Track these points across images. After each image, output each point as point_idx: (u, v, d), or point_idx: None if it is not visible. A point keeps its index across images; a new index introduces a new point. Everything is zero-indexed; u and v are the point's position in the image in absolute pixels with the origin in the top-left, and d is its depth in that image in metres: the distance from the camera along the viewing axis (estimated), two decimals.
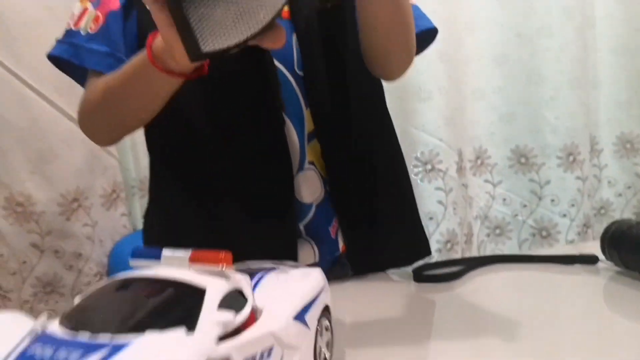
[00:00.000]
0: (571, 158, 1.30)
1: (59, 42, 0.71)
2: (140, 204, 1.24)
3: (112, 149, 1.18)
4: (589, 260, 0.67)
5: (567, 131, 1.28)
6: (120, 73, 0.62)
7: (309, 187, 0.69)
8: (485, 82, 1.29)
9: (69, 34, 0.70)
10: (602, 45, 1.38)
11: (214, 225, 0.69)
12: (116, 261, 1.17)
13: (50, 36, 1.03)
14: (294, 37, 0.68)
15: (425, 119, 1.18)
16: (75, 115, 0.76)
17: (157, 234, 0.76)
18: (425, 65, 1.15)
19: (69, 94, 0.98)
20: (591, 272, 0.65)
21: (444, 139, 1.20)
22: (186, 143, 0.72)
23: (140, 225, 1.25)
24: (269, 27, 0.43)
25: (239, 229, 0.68)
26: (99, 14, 0.69)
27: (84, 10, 0.70)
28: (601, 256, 0.65)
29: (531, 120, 1.29)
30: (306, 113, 0.69)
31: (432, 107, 1.18)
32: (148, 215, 0.78)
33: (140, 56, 0.57)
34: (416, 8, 0.75)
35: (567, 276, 0.64)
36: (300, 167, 0.69)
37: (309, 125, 0.69)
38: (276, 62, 0.67)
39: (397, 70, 0.72)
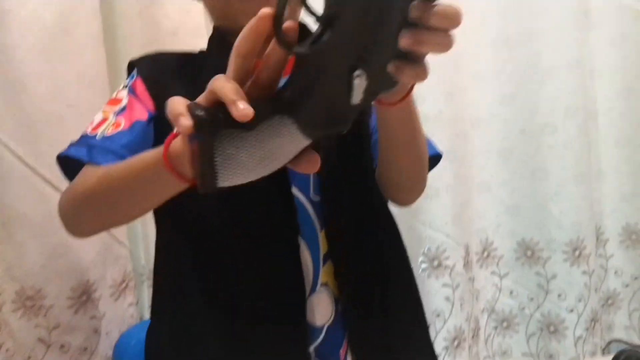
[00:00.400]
0: (577, 252, 1.30)
1: (71, 145, 0.72)
2: (148, 293, 1.25)
3: (124, 238, 1.19)
4: None
5: (572, 226, 1.30)
6: (125, 163, 0.61)
7: (321, 310, 0.71)
8: (490, 175, 1.32)
9: (84, 137, 0.71)
10: (605, 139, 1.41)
11: (222, 345, 0.70)
12: (121, 352, 1.16)
13: (72, 133, 1.08)
14: None
15: (432, 216, 1.20)
16: None
17: (164, 347, 0.76)
18: None
19: None
20: None
21: (451, 235, 1.21)
22: (200, 260, 0.73)
23: (147, 314, 1.25)
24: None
25: (248, 349, 0.69)
26: (121, 120, 0.70)
27: (104, 119, 0.72)
28: None
29: (536, 214, 1.31)
30: (321, 235, 0.71)
31: (439, 204, 1.20)
32: (152, 331, 0.78)
33: (153, 152, 0.56)
34: None
35: None
36: (313, 289, 0.70)
37: (323, 247, 0.71)
38: (293, 188, 0.70)
39: (410, 198, 0.76)
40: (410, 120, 0.65)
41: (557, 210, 1.29)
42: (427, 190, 1.19)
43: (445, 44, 0.44)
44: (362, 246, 0.73)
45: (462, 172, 1.25)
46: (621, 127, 1.41)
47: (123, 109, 0.72)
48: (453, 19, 0.43)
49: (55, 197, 1.06)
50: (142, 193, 0.60)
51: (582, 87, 1.31)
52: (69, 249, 1.10)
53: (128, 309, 1.20)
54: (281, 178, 0.68)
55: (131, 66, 0.78)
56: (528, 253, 1.32)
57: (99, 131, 0.70)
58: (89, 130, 0.71)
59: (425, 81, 0.45)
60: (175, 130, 0.50)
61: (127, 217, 0.68)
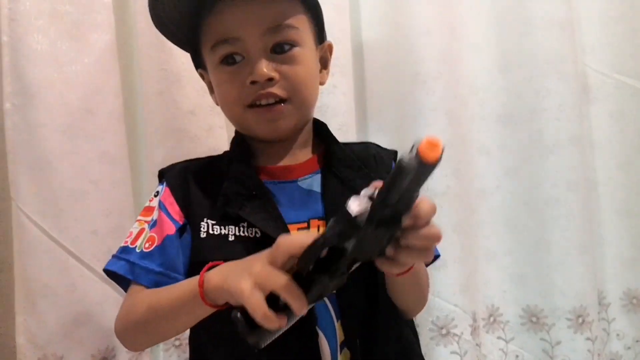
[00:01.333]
0: (580, 320, 1.34)
1: (114, 257, 0.80)
2: (163, 357, 1.28)
3: None
4: None
5: (575, 295, 1.33)
6: (167, 295, 0.70)
7: None
8: (496, 244, 1.36)
9: (125, 250, 0.79)
10: (606, 208, 1.46)
11: None
12: None
13: (94, 207, 1.13)
14: None
15: (441, 286, 1.24)
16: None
17: None
18: None
19: (107, 259, 1.04)
20: None
21: (459, 304, 1.25)
22: (221, 334, 0.78)
23: None
24: None
25: None
26: (154, 235, 0.77)
27: (141, 231, 0.79)
28: None
29: (540, 283, 1.35)
30: (337, 325, 0.76)
31: (447, 275, 1.24)
32: None
33: (191, 286, 0.66)
34: None
35: None
36: None
37: (340, 336, 0.76)
38: None
39: (412, 315, 0.87)
40: (412, 277, 0.74)
41: (561, 280, 1.33)
42: (435, 262, 1.24)
43: (424, 257, 0.60)
44: (376, 336, 0.78)
45: (469, 242, 1.29)
46: (620, 197, 1.46)
47: (154, 224, 0.79)
48: (432, 239, 0.59)
49: (78, 268, 1.12)
50: (184, 318, 0.70)
51: (583, 161, 1.36)
52: (90, 317, 1.13)
53: None
54: None
55: (161, 174, 0.84)
56: (533, 319, 1.36)
57: (137, 244, 0.78)
58: (129, 242, 0.79)
59: None
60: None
61: (172, 335, 0.80)
